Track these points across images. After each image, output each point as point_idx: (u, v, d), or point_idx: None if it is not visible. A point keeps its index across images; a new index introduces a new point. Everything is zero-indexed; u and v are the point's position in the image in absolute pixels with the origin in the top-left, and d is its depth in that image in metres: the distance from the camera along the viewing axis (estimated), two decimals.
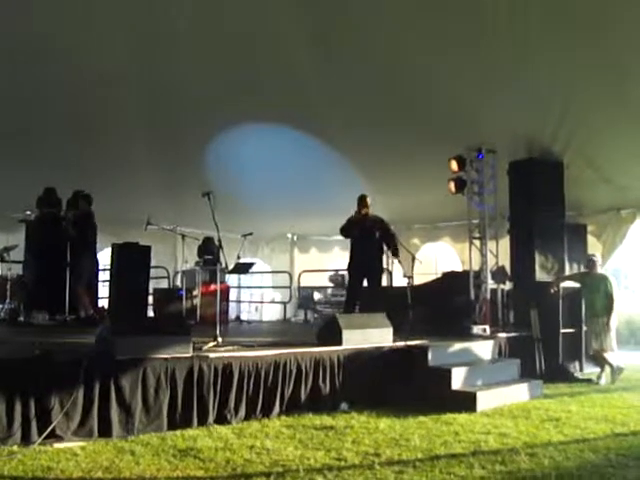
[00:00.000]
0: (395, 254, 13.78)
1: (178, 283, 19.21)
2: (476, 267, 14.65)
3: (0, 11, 11.53)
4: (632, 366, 13.82)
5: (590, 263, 13.56)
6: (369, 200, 13.59)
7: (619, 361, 13.05)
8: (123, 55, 13.06)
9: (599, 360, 13.12)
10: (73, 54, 12.78)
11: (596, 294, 13.20)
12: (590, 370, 13.53)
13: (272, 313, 23.85)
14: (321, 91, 14.10)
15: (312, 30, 12.80)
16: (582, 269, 14.74)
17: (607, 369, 12.95)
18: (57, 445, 6.98)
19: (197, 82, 13.93)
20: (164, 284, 19.36)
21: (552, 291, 13.56)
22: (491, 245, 14.71)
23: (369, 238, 13.43)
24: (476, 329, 12.84)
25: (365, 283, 13.70)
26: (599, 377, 12.88)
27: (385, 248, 13.78)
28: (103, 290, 16.52)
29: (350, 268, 14.16)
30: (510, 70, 12.48)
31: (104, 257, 16.58)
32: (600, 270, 13.67)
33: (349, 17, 12.38)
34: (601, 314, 13.06)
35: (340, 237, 14.94)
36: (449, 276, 15.82)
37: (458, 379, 10.24)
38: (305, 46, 13.05)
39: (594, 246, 15.81)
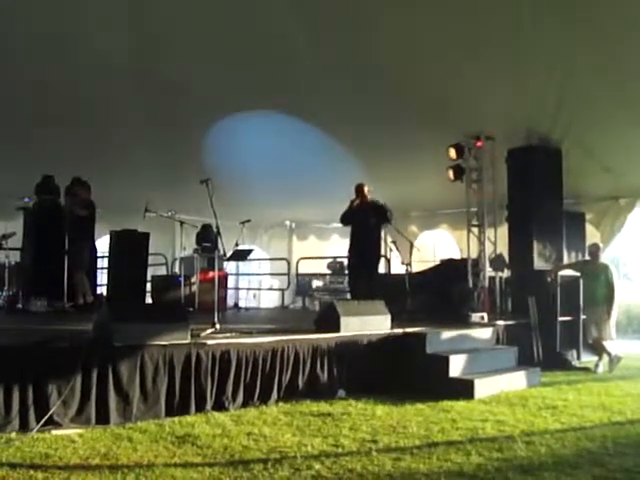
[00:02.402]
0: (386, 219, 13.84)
1: (176, 270, 19.22)
2: (474, 255, 14.67)
3: (2, 10, 11.57)
4: (630, 355, 13.84)
5: (592, 252, 13.59)
6: (366, 188, 13.63)
7: (617, 350, 13.08)
8: (123, 45, 13.06)
9: (598, 349, 13.16)
10: (73, 45, 12.79)
11: (597, 283, 13.23)
12: (588, 358, 13.56)
13: (270, 300, 23.87)
14: (320, 81, 14.09)
15: (313, 23, 12.83)
16: (580, 257, 14.78)
17: (605, 358, 12.99)
18: (55, 432, 6.99)
19: (196, 72, 13.94)
20: (162, 271, 19.39)
21: (549, 279, 13.59)
22: (489, 233, 14.73)
23: (366, 225, 13.48)
24: (474, 317, 12.83)
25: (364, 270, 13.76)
26: (596, 365, 12.92)
27: (383, 234, 13.88)
28: (101, 277, 16.53)
29: (349, 256, 14.23)
30: (508, 58, 12.47)
31: (102, 244, 16.60)
32: (602, 259, 13.69)
33: (349, 13, 12.42)
34: (601, 303, 13.10)
35: (338, 224, 14.98)
36: (447, 264, 15.86)
37: (456, 366, 10.25)
38: (305, 37, 13.08)
39: (592, 234, 15.80)
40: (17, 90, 13.34)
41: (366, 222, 13.47)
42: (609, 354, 12.93)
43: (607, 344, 12.99)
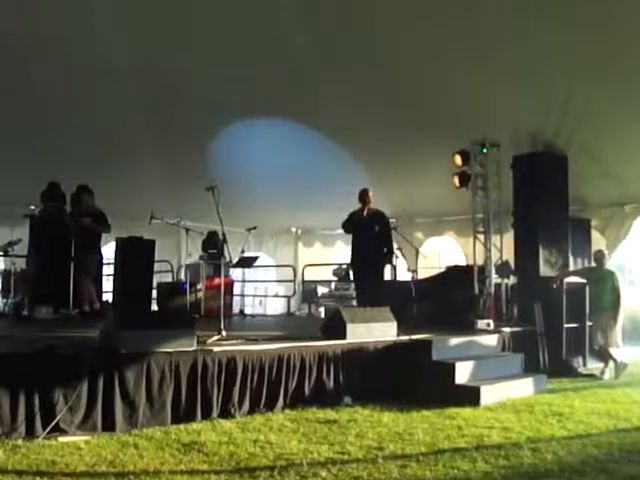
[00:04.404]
0: (389, 255, 13.87)
1: (182, 277, 19.21)
2: (480, 261, 14.65)
3: (3, 9, 11.60)
4: (636, 361, 13.81)
5: (598, 258, 13.56)
6: (370, 194, 13.65)
7: (623, 357, 13.07)
8: (126, 49, 13.09)
9: (604, 355, 13.13)
10: (76, 48, 12.82)
11: (603, 289, 13.20)
12: (594, 365, 13.53)
13: (276, 307, 23.86)
14: (325, 86, 14.13)
15: (315, 27, 12.86)
16: (586, 264, 14.76)
17: (611, 364, 12.96)
18: (61, 439, 6.98)
19: (201, 78, 13.98)
20: (168, 278, 19.38)
21: (554, 286, 13.57)
22: (495, 239, 14.70)
23: (368, 233, 13.48)
24: (480, 323, 12.80)
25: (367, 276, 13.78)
26: (602, 372, 12.90)
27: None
28: (107, 284, 16.53)
29: (351, 263, 14.27)
30: (513, 64, 12.49)
31: (108, 251, 16.61)
32: (607, 266, 13.65)
33: (352, 17, 12.45)
34: (607, 309, 13.07)
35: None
36: (453, 270, 15.85)
37: (462, 373, 10.23)
38: (309, 43, 13.12)
39: (598, 241, 15.76)
40: (21, 97, 13.38)
41: (369, 229, 13.49)
42: (615, 361, 12.91)
43: (613, 351, 12.97)
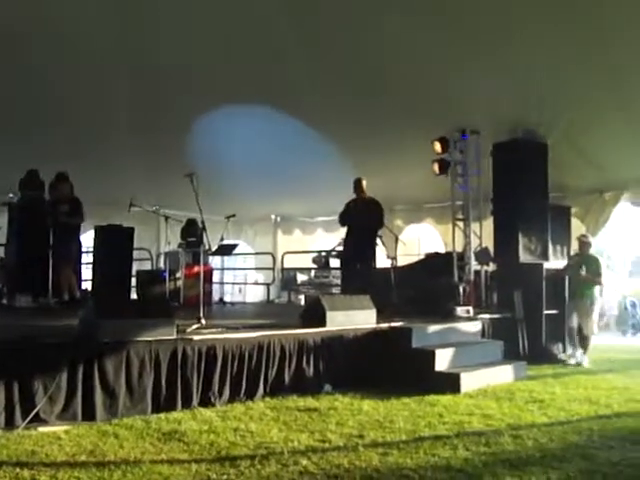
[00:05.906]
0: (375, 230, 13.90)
1: (161, 265, 19.17)
2: (459, 248, 14.68)
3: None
4: (616, 347, 13.88)
5: (582, 244, 13.55)
6: (364, 183, 13.68)
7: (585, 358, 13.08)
8: (106, 37, 13.00)
9: (583, 341, 13.16)
10: (56, 36, 12.72)
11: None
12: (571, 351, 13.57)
13: (255, 294, 23.87)
14: (305, 74, 14.08)
15: (299, 13, 12.82)
16: (565, 251, 14.79)
17: (579, 353, 13.03)
18: (41, 429, 6.96)
19: (181, 64, 13.90)
20: (147, 266, 19.32)
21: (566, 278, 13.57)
22: (475, 226, 14.75)
23: (362, 222, 13.49)
24: (459, 310, 12.84)
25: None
26: (575, 358, 12.96)
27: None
28: (86, 272, 16.47)
29: (344, 252, 14.27)
30: (494, 51, 12.48)
31: (87, 239, 16.54)
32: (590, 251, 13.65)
33: (336, 12, 12.44)
34: (587, 296, 13.08)
35: (324, 218, 14.99)
36: (432, 257, 15.86)
37: (442, 360, 10.25)
38: (291, 29, 13.07)
39: (578, 228, 15.80)
40: None
41: (363, 218, 13.49)
42: (585, 350, 12.97)
43: (589, 337, 13.03)
